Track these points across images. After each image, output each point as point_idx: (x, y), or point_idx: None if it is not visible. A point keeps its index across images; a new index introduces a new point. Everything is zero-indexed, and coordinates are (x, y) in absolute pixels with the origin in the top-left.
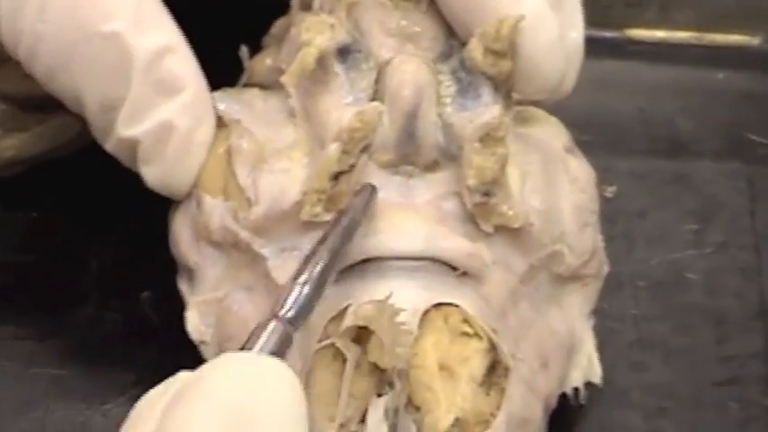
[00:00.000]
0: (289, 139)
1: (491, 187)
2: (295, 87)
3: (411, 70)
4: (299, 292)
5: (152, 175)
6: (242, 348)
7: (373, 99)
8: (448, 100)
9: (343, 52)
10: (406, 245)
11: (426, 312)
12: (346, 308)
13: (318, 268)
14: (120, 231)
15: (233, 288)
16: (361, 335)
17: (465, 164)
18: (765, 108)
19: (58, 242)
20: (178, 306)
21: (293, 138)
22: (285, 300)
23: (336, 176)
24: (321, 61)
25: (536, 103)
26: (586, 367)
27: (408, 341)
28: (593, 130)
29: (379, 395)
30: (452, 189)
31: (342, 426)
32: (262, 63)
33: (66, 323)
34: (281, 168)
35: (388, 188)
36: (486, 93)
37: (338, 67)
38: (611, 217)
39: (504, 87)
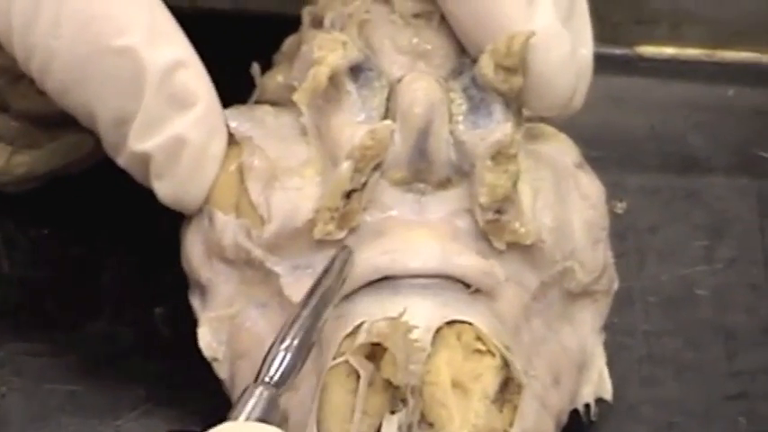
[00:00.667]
0: (301, 157)
1: (503, 205)
2: (307, 105)
3: (423, 88)
4: (283, 357)
5: (164, 189)
6: (229, 416)
7: (385, 117)
8: (460, 117)
9: (356, 70)
10: (420, 263)
11: (439, 329)
12: (360, 325)
13: (302, 331)
14: (132, 247)
15: (246, 305)
16: (375, 352)
17: (477, 181)
18: None
19: (71, 258)
20: (191, 321)
21: (305, 155)
22: (270, 364)
23: (349, 194)
24: (333, 79)
25: (546, 120)
26: (597, 383)
27: (422, 358)
28: (603, 146)
29: (393, 412)
30: (465, 206)
31: None
32: (273, 80)
33: (78, 339)
34: (294, 186)
35: (402, 206)
36: (498, 110)
37: (350, 86)
38: (622, 233)
39: (514, 104)
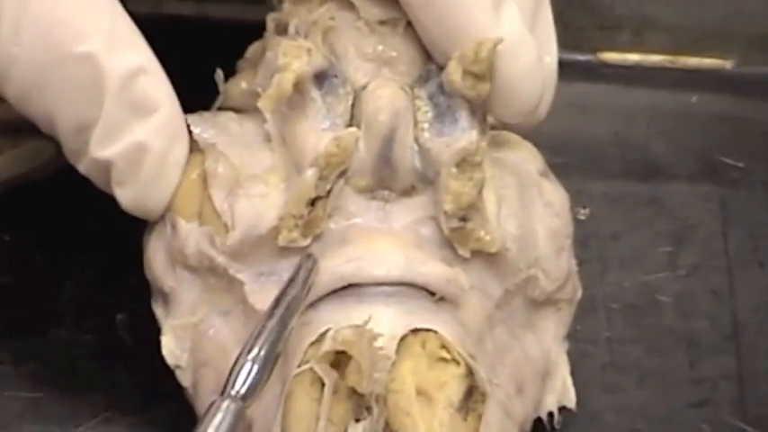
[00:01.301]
0: (265, 164)
1: (468, 212)
2: (271, 112)
3: (387, 95)
4: (249, 368)
5: (126, 196)
6: (196, 430)
7: (350, 124)
8: (425, 125)
9: (320, 77)
10: (384, 271)
11: (404, 338)
12: (325, 333)
13: (268, 342)
14: (94, 254)
15: (209, 313)
16: (340, 360)
17: (442, 189)
18: (738, 131)
19: (32, 265)
20: (153, 328)
21: (270, 162)
22: (236, 378)
23: (313, 202)
24: (298, 86)
25: (510, 128)
26: (561, 392)
27: (386, 366)
28: (567, 152)
29: (357, 420)
30: (429, 213)
31: None
32: (237, 87)
33: (40, 346)
34: (258, 193)
35: (366, 213)
36: (464, 117)
37: (315, 93)
38: (585, 240)
39: (480, 112)
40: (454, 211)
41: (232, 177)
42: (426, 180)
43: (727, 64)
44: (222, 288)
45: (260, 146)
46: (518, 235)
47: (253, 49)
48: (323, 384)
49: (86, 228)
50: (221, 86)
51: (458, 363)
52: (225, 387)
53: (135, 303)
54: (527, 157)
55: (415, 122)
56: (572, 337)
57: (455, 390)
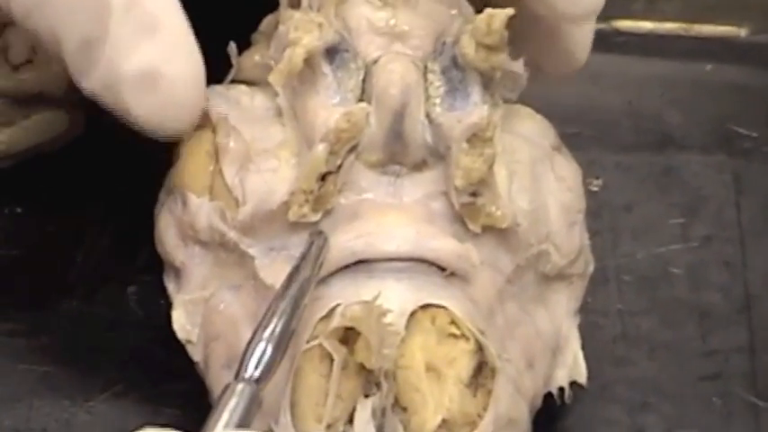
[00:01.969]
0: (276, 139)
1: (479, 188)
2: (282, 87)
3: (398, 70)
4: (262, 351)
5: (142, 114)
6: (210, 417)
7: (361, 98)
8: (437, 100)
9: (331, 52)
10: (395, 246)
11: (414, 313)
12: (334, 308)
13: (281, 322)
14: (105, 226)
15: (220, 287)
16: (349, 335)
17: (453, 164)
18: (752, 100)
19: (44, 237)
20: (164, 301)
21: (281, 137)
22: (249, 360)
23: (324, 177)
24: (309, 61)
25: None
26: (572, 367)
27: (395, 342)
28: (580, 122)
29: (367, 396)
30: (440, 188)
31: (329, 426)
32: (250, 59)
33: (51, 318)
34: (269, 168)
35: (377, 188)
36: (476, 92)
37: (326, 67)
38: (597, 211)
39: (492, 86)
40: (464, 186)
41: (243, 152)
42: (437, 155)
43: (742, 32)
44: (233, 263)
45: (271, 120)
46: (529, 210)
47: (267, 21)
48: (332, 360)
49: (98, 200)
50: (234, 59)
51: (467, 338)
52: (239, 370)
53: (146, 276)
54: (540, 131)
55: (427, 97)
56: (583, 309)
57: (465, 365)
